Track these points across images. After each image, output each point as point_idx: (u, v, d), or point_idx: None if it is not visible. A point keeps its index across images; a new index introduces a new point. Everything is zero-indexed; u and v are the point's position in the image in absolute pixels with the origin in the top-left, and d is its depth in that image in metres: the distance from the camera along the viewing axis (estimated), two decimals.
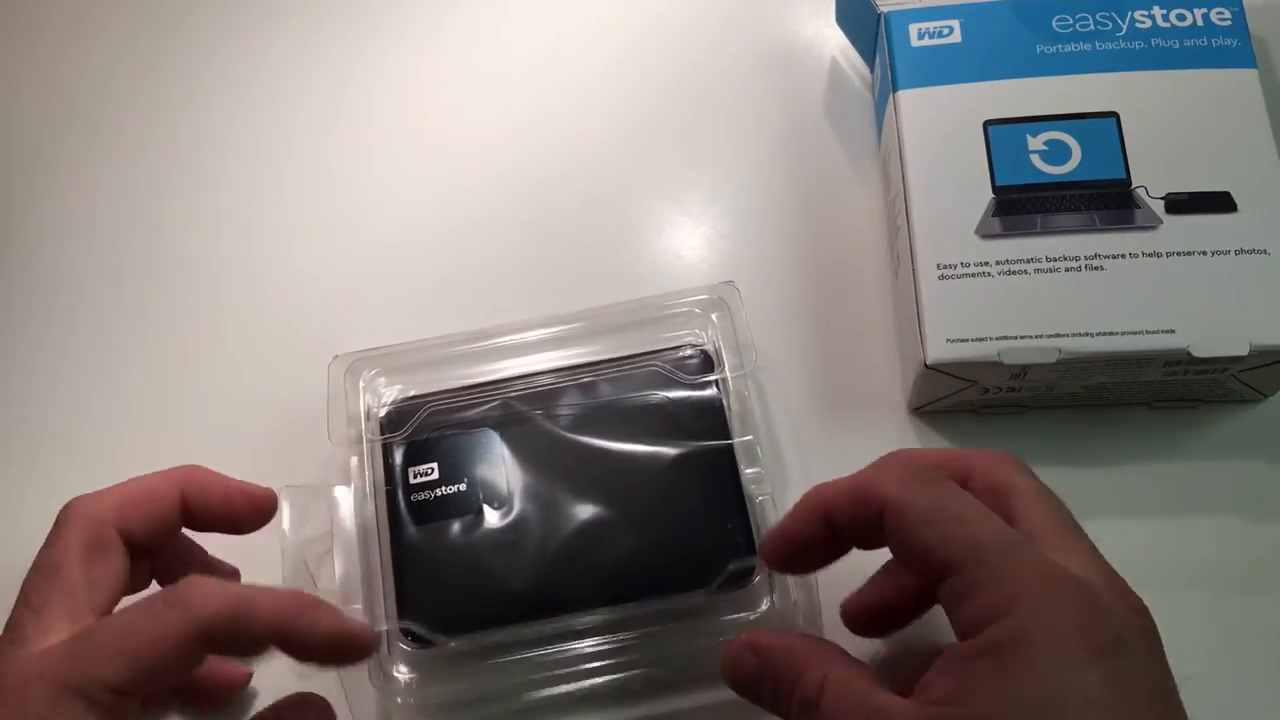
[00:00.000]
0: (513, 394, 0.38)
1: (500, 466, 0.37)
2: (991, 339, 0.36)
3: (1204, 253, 0.37)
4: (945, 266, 0.38)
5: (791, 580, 0.36)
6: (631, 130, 0.47)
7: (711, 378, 0.38)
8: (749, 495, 0.37)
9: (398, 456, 0.37)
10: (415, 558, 0.36)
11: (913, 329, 0.38)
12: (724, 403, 0.38)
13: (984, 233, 0.38)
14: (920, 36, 0.41)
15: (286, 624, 0.29)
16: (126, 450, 0.42)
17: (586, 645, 0.35)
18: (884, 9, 0.42)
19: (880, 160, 0.45)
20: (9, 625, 0.30)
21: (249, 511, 0.35)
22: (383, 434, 0.38)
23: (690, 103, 0.48)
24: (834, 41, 0.48)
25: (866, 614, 0.34)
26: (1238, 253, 0.37)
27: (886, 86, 0.41)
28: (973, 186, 0.39)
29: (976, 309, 0.37)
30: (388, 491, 0.37)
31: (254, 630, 0.29)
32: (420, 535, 0.36)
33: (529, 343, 0.40)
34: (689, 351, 0.39)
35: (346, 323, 0.44)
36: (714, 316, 0.40)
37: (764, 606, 0.36)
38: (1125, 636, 0.26)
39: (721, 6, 0.49)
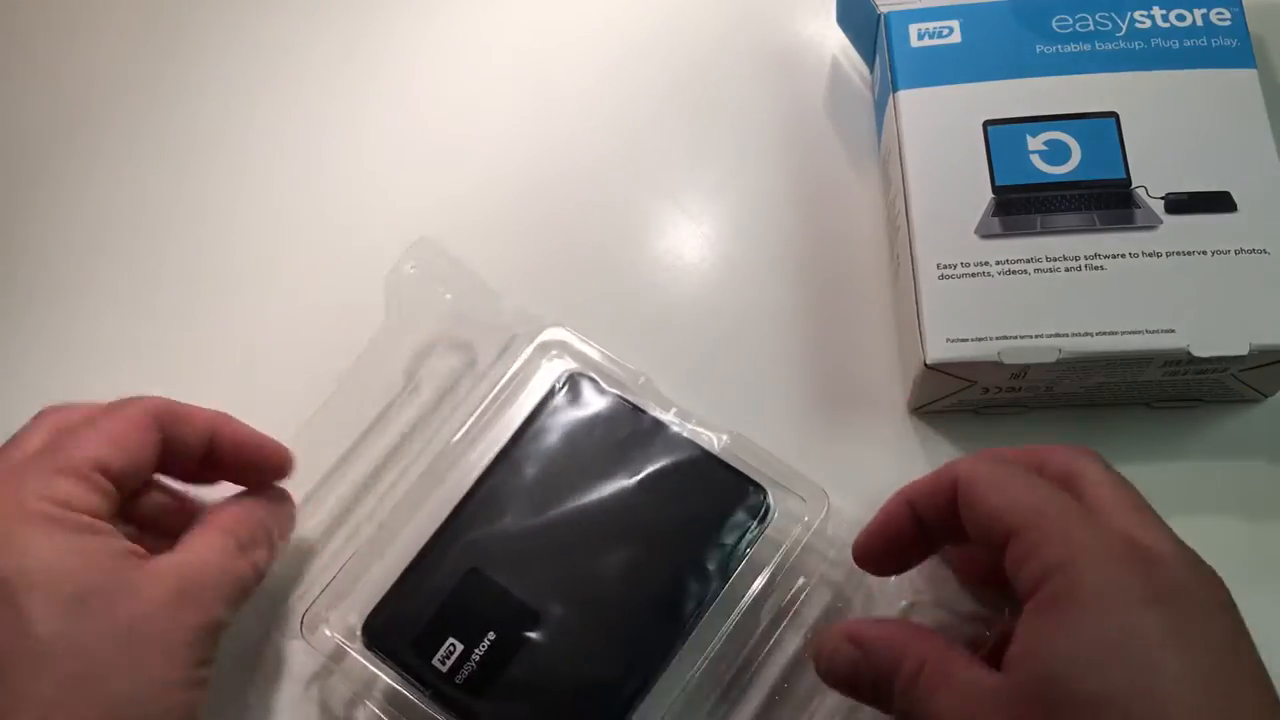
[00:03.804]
0: (460, 530, 0.36)
1: (507, 593, 0.35)
2: (991, 339, 0.36)
3: (1204, 253, 0.37)
4: (945, 266, 0.38)
5: (808, 497, 0.36)
6: (631, 130, 0.47)
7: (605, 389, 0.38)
8: (708, 442, 0.37)
9: (412, 660, 0.35)
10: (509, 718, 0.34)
11: (913, 329, 0.38)
12: (623, 395, 0.38)
13: (984, 233, 0.38)
14: (920, 37, 0.41)
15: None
16: None
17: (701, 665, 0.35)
18: (884, 9, 0.42)
19: (880, 160, 0.45)
20: None
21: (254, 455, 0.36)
22: (385, 656, 0.35)
23: (690, 102, 0.48)
24: (834, 41, 0.48)
25: (878, 552, 0.34)
26: (1238, 253, 0.37)
27: (886, 86, 0.41)
28: (972, 186, 0.39)
29: (976, 309, 0.37)
30: (431, 696, 0.34)
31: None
32: (492, 702, 0.34)
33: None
34: (557, 383, 0.38)
35: (341, 334, 0.43)
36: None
37: (798, 530, 0.36)
38: (1189, 589, 0.27)
39: (722, 7, 0.49)
